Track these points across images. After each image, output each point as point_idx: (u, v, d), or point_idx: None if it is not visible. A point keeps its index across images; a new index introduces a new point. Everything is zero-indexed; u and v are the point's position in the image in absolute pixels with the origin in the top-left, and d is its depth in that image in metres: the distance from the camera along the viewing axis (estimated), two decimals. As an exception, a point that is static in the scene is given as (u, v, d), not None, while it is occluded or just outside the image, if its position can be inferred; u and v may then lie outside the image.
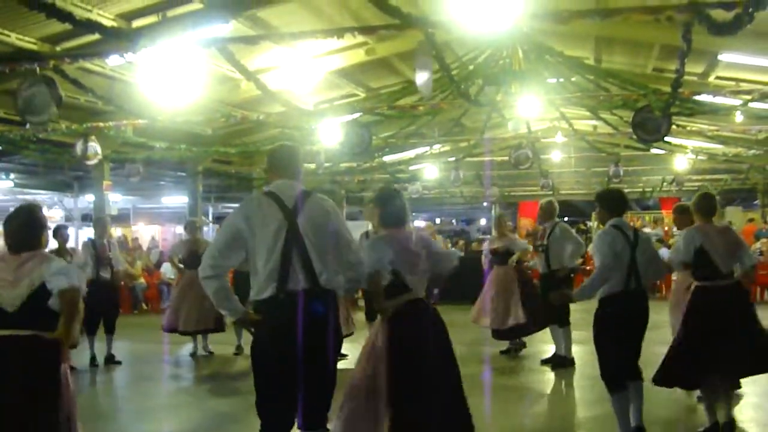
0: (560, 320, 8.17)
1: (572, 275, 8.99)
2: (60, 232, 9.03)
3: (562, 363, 8.15)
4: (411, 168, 19.61)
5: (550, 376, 7.90)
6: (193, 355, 9.40)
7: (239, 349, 9.45)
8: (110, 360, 9.04)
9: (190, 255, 9.32)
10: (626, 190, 27.85)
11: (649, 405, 6.27)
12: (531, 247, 9.05)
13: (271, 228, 3.60)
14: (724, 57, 10.91)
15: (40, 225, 4.05)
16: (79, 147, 10.59)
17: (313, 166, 14.58)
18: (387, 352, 4.15)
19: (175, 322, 9.30)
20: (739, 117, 11.43)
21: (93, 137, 10.70)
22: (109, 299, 9.06)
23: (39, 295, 3.76)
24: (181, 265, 9.65)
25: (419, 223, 27.69)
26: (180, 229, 26.98)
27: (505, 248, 9.01)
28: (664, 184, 23.21)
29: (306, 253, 3.61)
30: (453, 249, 9.05)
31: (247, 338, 9.45)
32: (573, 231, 9.19)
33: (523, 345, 9.13)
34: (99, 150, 10.74)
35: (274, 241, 3.59)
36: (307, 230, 3.65)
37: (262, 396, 3.65)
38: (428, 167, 18.67)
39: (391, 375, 4.10)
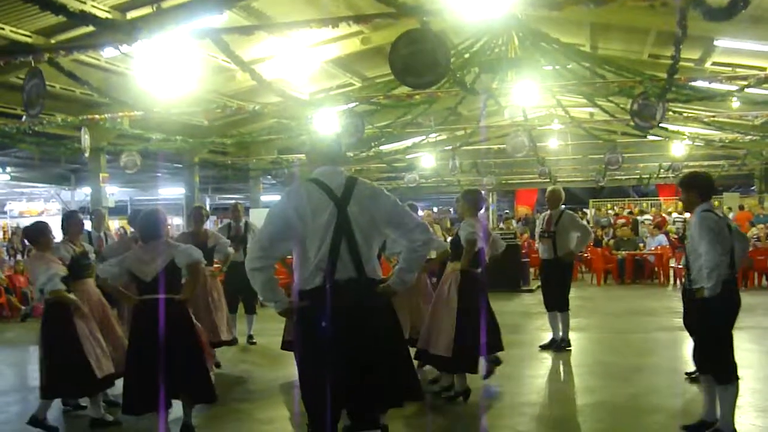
0: (561, 305, 8.38)
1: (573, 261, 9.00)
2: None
3: (560, 346, 8.31)
4: (408, 157, 19.61)
5: (547, 363, 7.92)
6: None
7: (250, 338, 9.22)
8: None
9: (198, 248, 8.16)
10: (624, 177, 27.56)
11: (653, 394, 6.31)
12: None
13: (323, 218, 3.54)
14: (721, 43, 10.91)
15: (162, 221, 5.43)
16: (82, 137, 10.58)
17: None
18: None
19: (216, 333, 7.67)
20: (735, 103, 11.43)
21: (85, 129, 10.70)
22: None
23: (169, 269, 5.19)
24: None
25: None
26: (178, 221, 27.10)
27: None
28: (661, 170, 23.25)
29: (355, 243, 3.56)
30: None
31: (257, 328, 9.51)
32: (580, 219, 9.25)
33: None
34: (88, 142, 10.75)
35: (325, 230, 3.53)
36: (358, 218, 3.59)
37: (307, 387, 3.60)
38: (425, 156, 18.65)
39: None
